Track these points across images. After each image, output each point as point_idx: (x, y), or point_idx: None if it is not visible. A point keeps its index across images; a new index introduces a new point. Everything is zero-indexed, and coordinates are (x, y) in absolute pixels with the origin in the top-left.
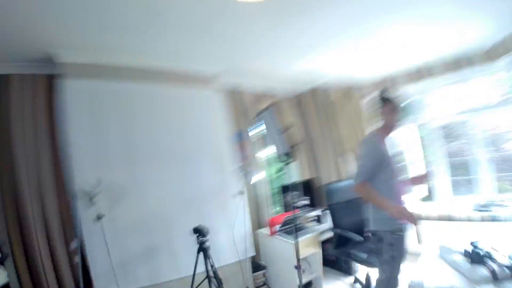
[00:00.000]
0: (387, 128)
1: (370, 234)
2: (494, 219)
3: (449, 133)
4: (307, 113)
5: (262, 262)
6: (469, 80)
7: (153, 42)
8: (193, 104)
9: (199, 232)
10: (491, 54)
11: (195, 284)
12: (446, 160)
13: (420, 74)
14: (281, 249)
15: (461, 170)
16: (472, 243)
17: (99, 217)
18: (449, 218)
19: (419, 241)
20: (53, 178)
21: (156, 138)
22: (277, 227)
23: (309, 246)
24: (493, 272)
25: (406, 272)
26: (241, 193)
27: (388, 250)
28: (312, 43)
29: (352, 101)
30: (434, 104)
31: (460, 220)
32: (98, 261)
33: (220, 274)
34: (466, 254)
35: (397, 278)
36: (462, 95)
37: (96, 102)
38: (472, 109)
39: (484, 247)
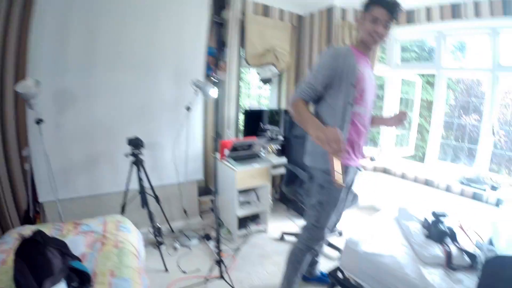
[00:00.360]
0: (363, 42)
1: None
2: (475, 197)
3: (459, 90)
4: (303, 38)
5: (212, 187)
6: (500, 33)
7: None
8: (166, 9)
9: (133, 144)
10: None
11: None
12: (440, 120)
13: (450, 11)
14: (226, 176)
15: (459, 135)
16: (434, 214)
17: (37, 122)
18: (426, 182)
19: (336, 184)
20: (13, 82)
21: (118, 43)
22: (227, 151)
23: (257, 178)
24: (448, 255)
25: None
26: (187, 109)
27: (317, 194)
28: None
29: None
30: (451, 52)
31: (438, 187)
32: (41, 167)
33: (163, 193)
34: (425, 225)
35: (322, 230)
36: (488, 49)
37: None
38: (495, 68)
39: (451, 223)
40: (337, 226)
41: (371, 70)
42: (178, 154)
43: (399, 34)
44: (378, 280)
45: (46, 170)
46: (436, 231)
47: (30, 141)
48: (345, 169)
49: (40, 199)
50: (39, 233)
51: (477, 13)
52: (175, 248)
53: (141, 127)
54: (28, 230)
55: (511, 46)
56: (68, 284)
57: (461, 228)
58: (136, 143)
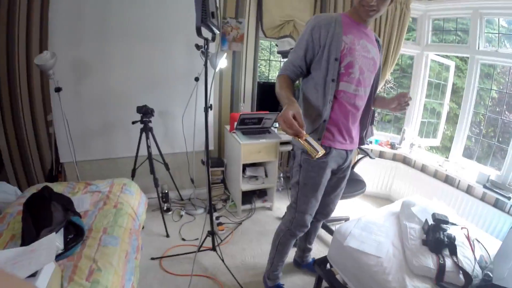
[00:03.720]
0: (356, 11)
1: None
2: (496, 205)
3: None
4: (326, 9)
5: (225, 160)
6: None
7: None
8: None
9: (142, 111)
10: None
11: (139, 163)
12: (470, 111)
13: None
14: (234, 149)
15: (490, 131)
16: (435, 217)
17: (56, 90)
18: (446, 180)
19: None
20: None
21: (131, 15)
22: (236, 124)
23: (263, 153)
24: (441, 269)
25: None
26: (196, 79)
27: (296, 173)
28: None
29: None
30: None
31: (458, 187)
32: (62, 132)
33: (174, 161)
34: (425, 228)
35: (302, 214)
36: None
37: None
38: None
39: (455, 231)
40: (330, 215)
41: (370, 42)
42: (189, 124)
43: (431, 10)
44: (360, 280)
45: (66, 134)
46: (433, 239)
47: (53, 109)
48: (328, 150)
49: (62, 160)
50: (46, 188)
51: None
52: (180, 215)
53: (153, 96)
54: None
55: None
56: (65, 235)
57: (467, 237)
58: (145, 111)
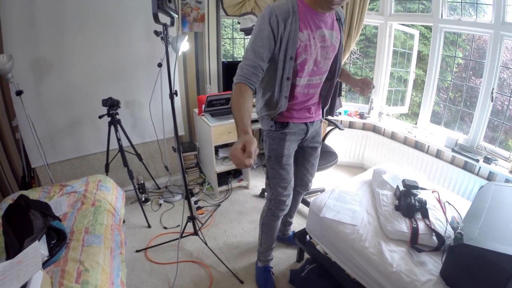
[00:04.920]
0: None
1: None
2: (465, 168)
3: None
4: None
5: (197, 143)
6: None
7: None
8: None
9: (108, 104)
10: None
11: (111, 157)
12: (435, 79)
13: None
14: (204, 131)
15: (457, 96)
16: (405, 183)
17: (17, 94)
18: (416, 146)
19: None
20: None
21: (85, 5)
22: (203, 107)
23: (234, 133)
24: (414, 233)
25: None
26: (159, 65)
27: (265, 149)
28: None
29: None
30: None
31: (427, 152)
32: (29, 135)
33: (146, 151)
34: (397, 194)
35: (277, 185)
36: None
37: None
38: (497, 26)
39: (426, 196)
40: (308, 186)
41: (328, 28)
42: (157, 111)
43: None
44: (339, 249)
45: (33, 137)
46: (405, 204)
47: (17, 112)
48: (285, 125)
49: (33, 165)
50: (22, 197)
51: None
52: (159, 204)
53: (117, 87)
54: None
55: None
56: (48, 241)
57: (438, 200)
58: (111, 103)
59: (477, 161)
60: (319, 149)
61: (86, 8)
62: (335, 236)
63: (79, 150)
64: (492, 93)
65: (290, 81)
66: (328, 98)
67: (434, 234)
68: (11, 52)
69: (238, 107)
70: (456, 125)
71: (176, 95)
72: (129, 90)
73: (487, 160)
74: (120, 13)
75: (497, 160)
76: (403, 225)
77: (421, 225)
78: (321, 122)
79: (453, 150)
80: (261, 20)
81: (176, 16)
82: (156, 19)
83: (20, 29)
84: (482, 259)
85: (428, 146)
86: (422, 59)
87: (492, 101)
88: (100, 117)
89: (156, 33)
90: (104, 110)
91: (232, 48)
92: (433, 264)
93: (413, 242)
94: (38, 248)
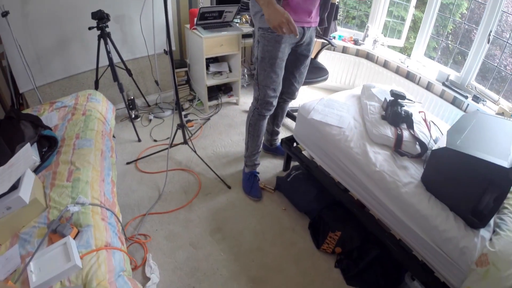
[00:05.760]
0: None
1: None
2: (454, 103)
3: None
4: None
5: (187, 60)
6: None
7: None
8: None
9: (97, 17)
10: None
11: (101, 73)
12: (434, 12)
13: None
14: (196, 45)
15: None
16: (393, 93)
17: (3, 15)
18: (408, 76)
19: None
20: None
21: None
22: (196, 20)
23: (225, 46)
24: (398, 139)
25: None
26: None
27: (256, 49)
28: None
29: None
30: None
31: (418, 83)
32: (16, 60)
33: (136, 67)
34: (384, 106)
35: (266, 87)
36: None
37: None
38: None
39: (413, 110)
40: (295, 95)
41: None
42: (147, 26)
43: None
44: (325, 151)
45: (20, 61)
46: (392, 112)
47: (2, 36)
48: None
49: (21, 90)
50: (12, 110)
51: None
52: (149, 120)
53: (107, 0)
54: None
55: None
56: (40, 149)
57: (424, 119)
58: (100, 16)
59: (466, 97)
60: (309, 59)
61: None
62: (322, 138)
63: (68, 70)
64: (489, 35)
65: None
66: (327, 5)
67: (417, 142)
68: None
69: None
70: (450, 62)
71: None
72: (119, 3)
73: (476, 99)
74: None
75: (485, 101)
76: (388, 131)
77: (406, 133)
78: (316, 30)
79: (443, 84)
80: None
81: None
82: None
83: None
84: (463, 164)
85: (420, 77)
86: (425, 2)
87: (488, 42)
88: (90, 28)
89: None
90: (91, 24)
91: None
92: (414, 170)
93: (397, 147)
94: (30, 149)
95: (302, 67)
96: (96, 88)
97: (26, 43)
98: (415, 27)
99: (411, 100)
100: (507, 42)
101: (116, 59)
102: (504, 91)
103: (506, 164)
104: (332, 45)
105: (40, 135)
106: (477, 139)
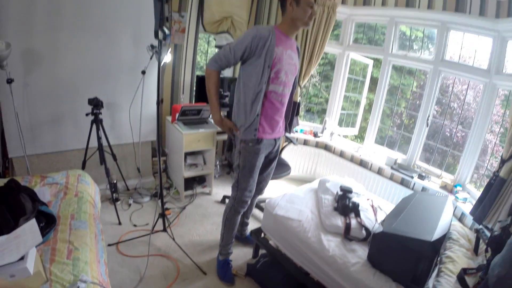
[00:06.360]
0: (294, 24)
1: None
2: (402, 183)
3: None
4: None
5: (166, 149)
6: (450, 28)
7: None
8: None
9: (93, 103)
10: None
11: (88, 155)
12: (381, 104)
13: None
14: (176, 138)
15: (411, 122)
16: (342, 188)
17: (8, 82)
18: (361, 163)
19: None
20: None
21: (81, 7)
22: (177, 115)
23: (202, 142)
24: (347, 227)
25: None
26: (143, 73)
27: (237, 158)
28: None
29: None
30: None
31: (371, 169)
32: (11, 125)
33: (120, 152)
34: (336, 198)
35: (243, 191)
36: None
37: None
38: (437, 62)
39: (360, 200)
40: (263, 191)
41: (293, 51)
42: (134, 115)
43: (355, 15)
44: (288, 241)
45: (15, 127)
46: (341, 205)
47: (2, 101)
48: (260, 141)
49: (10, 155)
50: (13, 181)
51: (430, 5)
52: (129, 204)
53: (101, 87)
54: (0, 182)
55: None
56: (38, 224)
57: (372, 206)
58: (96, 103)
59: (412, 177)
60: (276, 161)
61: (83, 9)
62: (285, 230)
63: (57, 145)
64: (427, 119)
65: (267, 85)
66: (289, 114)
67: (363, 228)
68: (5, 40)
69: (212, 90)
70: (397, 146)
71: (162, 103)
72: (111, 92)
73: (421, 177)
74: (113, 20)
75: (430, 177)
76: (339, 221)
77: (353, 222)
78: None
79: (392, 168)
80: (246, 34)
81: (169, 32)
82: (157, 35)
83: (17, 19)
84: (397, 243)
85: (371, 164)
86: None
87: (427, 126)
88: (86, 114)
89: (152, 47)
90: (88, 108)
91: (205, 60)
92: (362, 251)
93: (346, 234)
94: (35, 225)
95: (270, 168)
96: (83, 168)
97: (23, 112)
98: (370, 109)
99: (357, 193)
100: (443, 122)
101: (103, 143)
102: (446, 164)
103: (430, 238)
104: (294, 143)
105: (38, 210)
106: (411, 219)
